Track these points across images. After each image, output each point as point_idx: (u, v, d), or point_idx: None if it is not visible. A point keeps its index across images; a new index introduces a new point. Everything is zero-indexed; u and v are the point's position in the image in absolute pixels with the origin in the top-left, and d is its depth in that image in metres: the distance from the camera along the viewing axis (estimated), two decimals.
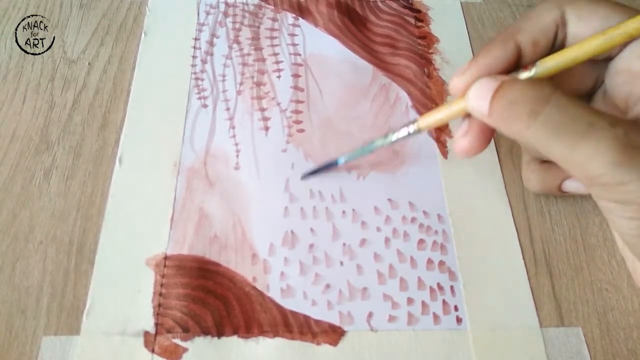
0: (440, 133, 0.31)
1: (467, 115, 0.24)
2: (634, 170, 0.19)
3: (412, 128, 0.25)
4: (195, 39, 0.34)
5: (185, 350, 0.24)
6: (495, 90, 0.21)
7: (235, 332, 0.25)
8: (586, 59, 0.22)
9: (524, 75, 0.22)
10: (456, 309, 0.26)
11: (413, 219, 0.28)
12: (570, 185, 0.26)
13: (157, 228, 0.27)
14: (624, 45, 0.23)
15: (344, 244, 0.27)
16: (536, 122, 0.20)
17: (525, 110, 0.20)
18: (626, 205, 0.20)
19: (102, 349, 0.24)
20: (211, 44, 0.34)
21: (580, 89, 0.25)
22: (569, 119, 0.20)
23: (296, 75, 0.33)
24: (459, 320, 0.25)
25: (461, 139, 0.24)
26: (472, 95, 0.22)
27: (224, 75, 0.33)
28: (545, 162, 0.27)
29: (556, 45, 0.23)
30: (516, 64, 0.23)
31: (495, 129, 0.22)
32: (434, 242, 0.28)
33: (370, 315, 0.25)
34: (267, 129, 0.31)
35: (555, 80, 0.23)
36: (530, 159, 0.28)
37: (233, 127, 0.31)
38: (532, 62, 0.22)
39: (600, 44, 0.21)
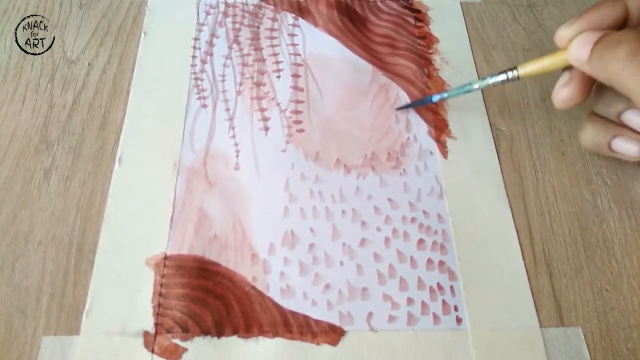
0: (440, 133, 0.31)
1: (567, 68, 0.25)
2: None
3: (510, 74, 0.27)
4: (195, 39, 0.34)
5: (185, 350, 0.24)
6: (596, 39, 0.23)
7: (235, 332, 0.25)
8: None
9: None
10: (456, 309, 0.26)
11: (413, 219, 0.28)
12: (619, 145, 0.27)
13: (156, 228, 0.27)
14: None
15: (344, 244, 0.27)
16: (634, 61, 0.21)
17: (624, 50, 0.22)
18: None
19: (102, 349, 0.24)
20: (211, 44, 0.34)
21: None
22: None
23: (296, 75, 0.33)
24: (458, 320, 0.25)
25: (562, 89, 0.26)
26: (575, 44, 0.24)
27: (223, 76, 0.33)
28: (603, 118, 0.27)
29: None
30: (622, 24, 0.24)
31: (594, 78, 0.24)
32: (434, 242, 0.28)
33: (370, 315, 0.25)
34: (266, 129, 0.31)
35: None
36: (591, 111, 0.28)
37: (233, 128, 0.31)
38: (637, 21, 0.24)
39: None
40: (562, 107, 0.26)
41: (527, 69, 0.26)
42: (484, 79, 0.28)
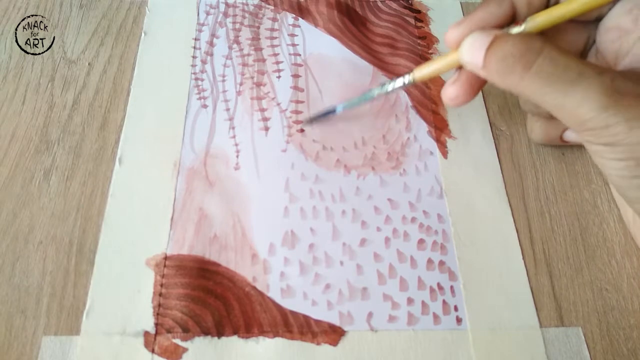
0: (440, 133, 0.31)
1: (461, 67, 0.25)
2: (619, 113, 0.20)
3: (407, 78, 0.27)
4: (195, 39, 0.34)
5: (185, 350, 0.24)
6: (489, 44, 0.22)
7: (235, 332, 0.25)
8: (574, 15, 0.23)
9: (515, 30, 0.24)
10: (456, 309, 0.26)
11: (413, 219, 0.28)
12: (570, 135, 0.28)
13: (157, 228, 0.27)
14: (614, 3, 0.24)
15: (344, 244, 0.27)
16: (529, 73, 0.21)
17: (519, 63, 0.22)
18: (613, 147, 0.21)
19: (102, 349, 0.24)
20: (211, 44, 0.34)
21: (573, 48, 0.26)
22: (559, 69, 0.21)
23: (296, 76, 0.33)
24: (458, 320, 0.25)
25: (450, 87, 0.26)
26: (466, 48, 0.23)
27: (223, 76, 0.33)
28: (547, 116, 0.28)
29: (550, 5, 0.24)
30: (509, 21, 0.24)
31: (486, 80, 0.24)
32: (434, 242, 0.28)
33: (370, 315, 0.25)
34: (267, 129, 0.31)
35: (548, 41, 0.24)
36: (534, 114, 0.29)
37: (233, 128, 0.31)
38: (523, 19, 0.24)
39: (588, 1, 0.23)
40: (450, 105, 0.27)
41: (422, 72, 0.26)
42: (382, 85, 0.28)
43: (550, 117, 0.28)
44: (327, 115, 0.31)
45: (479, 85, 0.26)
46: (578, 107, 0.21)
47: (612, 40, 0.24)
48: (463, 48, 0.23)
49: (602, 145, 0.22)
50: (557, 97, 0.21)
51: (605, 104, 0.20)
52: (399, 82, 0.27)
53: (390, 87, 0.28)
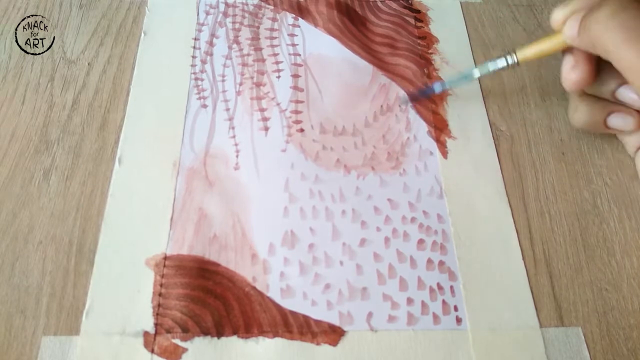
0: (440, 133, 0.31)
1: (566, 49, 0.26)
2: None
3: (510, 59, 0.28)
4: (195, 39, 0.34)
5: (184, 350, 0.24)
6: (581, 17, 0.24)
7: (235, 332, 0.25)
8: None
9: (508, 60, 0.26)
10: (456, 309, 0.26)
11: (413, 219, 0.28)
12: (615, 121, 0.28)
13: (156, 228, 0.27)
14: None
15: (344, 244, 0.27)
16: (614, 21, 0.23)
17: (604, 12, 0.23)
18: None
19: (102, 349, 0.24)
20: (211, 44, 0.34)
21: None
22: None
23: (296, 76, 0.33)
24: (458, 320, 0.25)
25: (571, 72, 0.26)
26: (568, 22, 0.25)
27: (223, 76, 0.33)
28: (594, 97, 0.28)
29: None
30: None
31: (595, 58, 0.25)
32: (434, 242, 0.28)
33: (370, 315, 0.25)
34: (266, 129, 0.31)
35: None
36: (584, 93, 0.29)
37: (233, 128, 0.31)
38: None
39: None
40: (573, 90, 0.27)
41: (525, 52, 0.27)
42: (483, 64, 0.29)
43: (598, 99, 0.28)
44: (427, 94, 0.32)
45: (594, 64, 0.26)
46: None
47: None
48: (566, 26, 0.25)
49: None
50: (634, 54, 0.22)
51: None
52: (501, 61, 0.28)
53: (492, 66, 0.28)
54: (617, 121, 0.28)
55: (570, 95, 0.29)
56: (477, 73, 0.29)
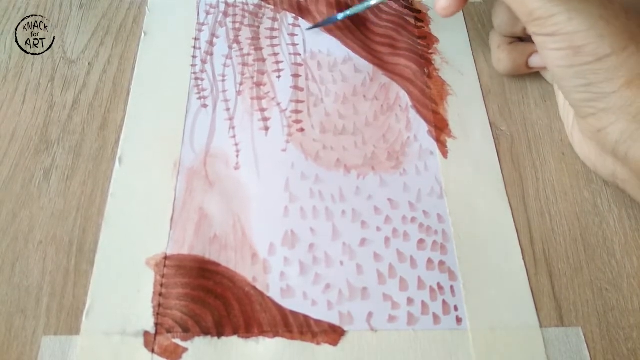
0: (440, 133, 0.31)
1: None
2: (562, 4, 0.24)
3: None
4: (195, 39, 0.34)
5: (185, 350, 0.24)
6: None
7: (235, 332, 0.25)
8: None
9: None
10: (456, 309, 0.26)
11: (413, 219, 0.28)
12: (535, 61, 0.31)
13: (157, 228, 0.27)
14: None
15: (344, 244, 0.27)
16: None
17: None
18: (554, 36, 0.25)
19: (102, 349, 0.24)
20: (211, 44, 0.34)
21: None
22: None
23: (296, 75, 0.33)
24: (458, 320, 0.25)
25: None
26: None
27: (223, 76, 0.33)
28: (513, 44, 0.31)
29: None
30: None
31: None
32: (434, 242, 0.28)
33: (370, 315, 0.25)
34: (267, 129, 0.31)
35: None
36: (499, 42, 0.32)
37: (233, 127, 0.31)
38: None
39: None
40: (441, 15, 0.29)
41: None
42: None
43: (516, 45, 0.31)
44: (328, 22, 0.34)
45: None
46: None
47: None
48: None
49: (546, 35, 0.25)
50: None
51: None
52: None
53: None
54: (537, 60, 0.31)
55: (492, 50, 0.32)
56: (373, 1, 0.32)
